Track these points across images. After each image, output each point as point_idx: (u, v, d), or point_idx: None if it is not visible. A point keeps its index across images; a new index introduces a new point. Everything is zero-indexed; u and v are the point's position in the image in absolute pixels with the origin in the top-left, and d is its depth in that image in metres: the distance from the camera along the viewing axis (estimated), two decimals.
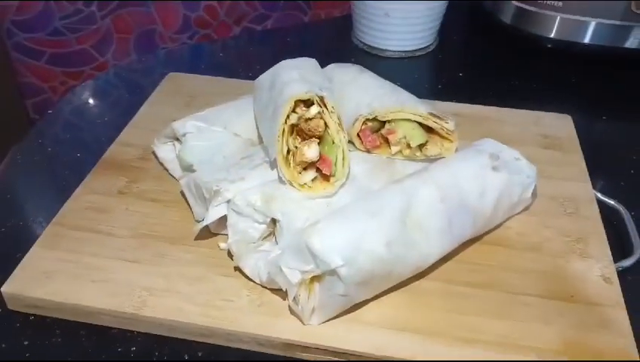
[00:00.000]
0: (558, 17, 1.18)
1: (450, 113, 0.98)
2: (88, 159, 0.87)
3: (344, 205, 0.65)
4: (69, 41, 1.28)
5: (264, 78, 0.81)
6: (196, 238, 0.75)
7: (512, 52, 1.26)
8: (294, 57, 0.77)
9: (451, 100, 0.98)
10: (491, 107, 1.02)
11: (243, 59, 1.27)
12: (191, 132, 0.81)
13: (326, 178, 0.68)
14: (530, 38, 1.23)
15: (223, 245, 0.68)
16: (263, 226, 0.70)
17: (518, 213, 0.75)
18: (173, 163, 0.81)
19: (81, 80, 1.32)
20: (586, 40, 1.17)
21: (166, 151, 0.86)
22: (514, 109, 1.02)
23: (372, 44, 1.20)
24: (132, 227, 0.74)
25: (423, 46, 1.21)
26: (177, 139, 0.84)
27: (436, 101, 1.03)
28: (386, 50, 1.20)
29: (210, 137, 0.78)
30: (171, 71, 1.13)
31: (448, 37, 1.26)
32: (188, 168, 0.82)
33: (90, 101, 1.13)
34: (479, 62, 1.21)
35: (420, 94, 0.77)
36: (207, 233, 0.72)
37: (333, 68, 0.88)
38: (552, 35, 1.20)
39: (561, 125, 0.98)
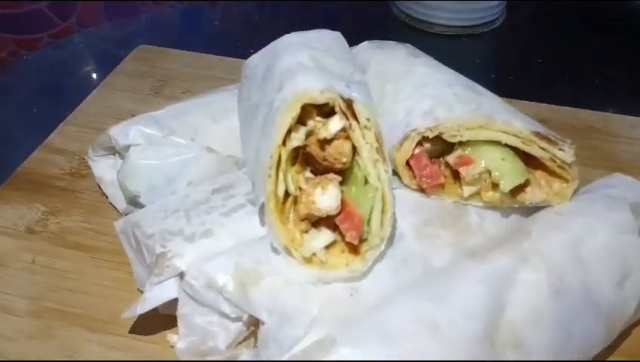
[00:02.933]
0: None
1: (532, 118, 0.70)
2: (6, 169, 0.64)
3: (381, 299, 0.40)
4: None
5: (256, 60, 0.51)
6: (131, 329, 0.46)
7: (608, 29, 0.96)
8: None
9: (528, 98, 0.76)
10: (593, 111, 0.74)
11: (247, 30, 1.00)
12: (137, 143, 0.52)
13: (352, 245, 0.42)
14: (633, 11, 0.93)
15: (174, 339, 0.45)
16: (237, 326, 0.42)
17: None
18: (115, 186, 0.57)
19: (39, 50, 1.05)
20: None
21: (105, 169, 0.59)
22: (627, 116, 0.74)
23: (417, 16, 0.96)
24: (34, 296, 0.51)
25: (486, 20, 0.96)
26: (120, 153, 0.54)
27: (509, 99, 0.73)
28: (435, 25, 0.96)
29: (168, 153, 0.54)
30: (154, 43, 0.87)
31: (520, 8, 1.01)
32: (132, 199, 0.53)
33: (41, 79, 0.86)
34: (564, 43, 0.95)
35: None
36: (153, 314, 0.47)
37: (367, 48, 0.57)
38: None
39: None
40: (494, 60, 0.95)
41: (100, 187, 0.59)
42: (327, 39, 0.51)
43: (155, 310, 0.48)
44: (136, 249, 0.47)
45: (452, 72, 0.53)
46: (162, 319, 0.48)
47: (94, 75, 0.86)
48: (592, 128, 0.71)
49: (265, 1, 1.08)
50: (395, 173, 0.49)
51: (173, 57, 0.82)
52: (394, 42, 0.57)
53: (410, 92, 0.50)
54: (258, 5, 1.08)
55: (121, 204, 0.56)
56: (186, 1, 1.10)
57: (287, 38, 0.50)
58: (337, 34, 0.53)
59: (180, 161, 0.53)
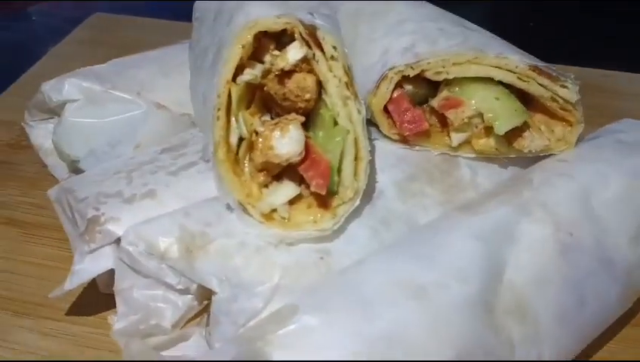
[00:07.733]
0: None
1: None
2: None
3: (355, 262, 0.33)
4: None
5: (207, 1, 0.43)
6: (68, 312, 0.40)
7: None
8: None
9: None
10: (592, 69, 0.69)
11: None
12: (74, 99, 0.44)
13: (320, 199, 0.35)
14: None
15: (115, 320, 0.38)
16: (186, 300, 0.35)
17: None
18: (56, 154, 0.49)
19: None
20: None
21: (44, 135, 0.52)
22: (628, 73, 0.70)
23: None
24: None
25: None
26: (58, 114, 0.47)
27: None
28: None
29: (110, 110, 0.46)
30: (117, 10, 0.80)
31: None
32: (72, 166, 0.46)
33: None
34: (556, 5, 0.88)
35: None
36: (93, 293, 0.41)
37: None
38: None
39: None
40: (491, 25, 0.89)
41: (39, 156, 0.52)
42: None
43: (95, 288, 0.41)
44: (72, 218, 0.40)
45: (438, 9, 0.46)
46: (105, 299, 0.41)
47: (46, 49, 0.78)
48: (590, 86, 0.65)
49: None
50: (372, 122, 0.42)
51: (131, 25, 0.75)
52: None
53: (387, 30, 0.43)
54: None
55: (62, 173, 0.49)
56: None
57: None
58: None
59: (125, 119, 0.45)
